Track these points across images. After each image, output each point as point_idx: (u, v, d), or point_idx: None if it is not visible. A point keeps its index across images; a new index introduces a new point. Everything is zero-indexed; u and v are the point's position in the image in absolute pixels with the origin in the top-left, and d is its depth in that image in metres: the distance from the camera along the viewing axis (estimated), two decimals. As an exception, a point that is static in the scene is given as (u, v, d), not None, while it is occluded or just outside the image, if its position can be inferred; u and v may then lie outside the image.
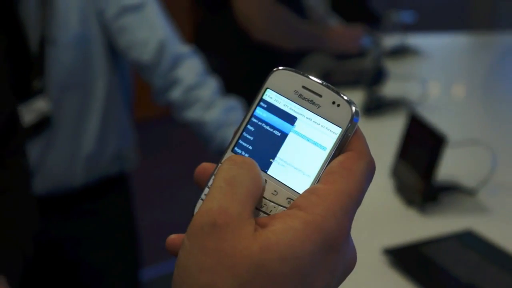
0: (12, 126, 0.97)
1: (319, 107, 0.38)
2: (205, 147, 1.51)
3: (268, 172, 0.39)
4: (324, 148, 0.38)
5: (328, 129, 0.38)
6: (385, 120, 1.83)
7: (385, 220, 1.27)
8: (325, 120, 0.38)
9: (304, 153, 0.38)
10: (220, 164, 0.39)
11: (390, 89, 1.98)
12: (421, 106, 1.88)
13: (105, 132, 1.47)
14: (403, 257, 1.10)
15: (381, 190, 1.36)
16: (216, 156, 1.42)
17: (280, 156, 0.39)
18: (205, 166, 0.42)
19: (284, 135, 0.39)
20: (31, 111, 1.35)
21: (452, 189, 1.31)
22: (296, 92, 0.39)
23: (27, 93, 1.35)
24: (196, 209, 0.39)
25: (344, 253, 0.35)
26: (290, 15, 2.09)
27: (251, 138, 0.40)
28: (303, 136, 0.39)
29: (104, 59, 1.44)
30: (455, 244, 1.13)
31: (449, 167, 1.36)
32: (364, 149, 0.38)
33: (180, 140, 3.99)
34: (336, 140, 0.38)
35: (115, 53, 1.46)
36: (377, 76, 1.91)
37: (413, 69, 2.42)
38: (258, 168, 0.37)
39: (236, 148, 0.40)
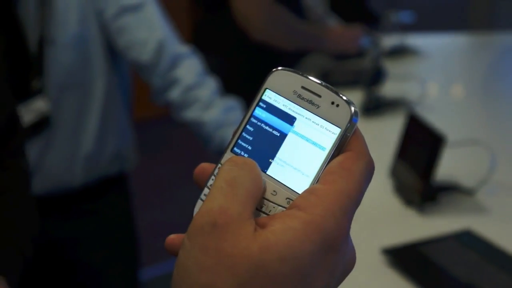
0: (12, 126, 0.97)
1: (318, 107, 0.38)
2: (204, 147, 1.51)
3: (268, 172, 0.39)
4: (323, 148, 0.38)
5: (327, 129, 0.38)
6: (384, 120, 1.84)
7: (384, 220, 1.27)
8: (324, 121, 0.38)
9: (303, 153, 0.38)
10: (220, 165, 0.40)
11: (389, 89, 1.98)
12: (420, 106, 1.88)
13: (104, 132, 1.47)
14: (402, 257, 1.10)
15: (380, 190, 1.36)
16: (215, 156, 1.42)
17: (280, 156, 0.39)
18: (204, 166, 0.42)
19: (283, 135, 0.39)
20: (30, 111, 1.35)
21: (451, 189, 1.31)
22: (295, 92, 0.39)
23: (26, 93, 1.35)
24: (196, 209, 0.39)
25: (344, 253, 0.35)
26: (289, 15, 2.09)
27: (251, 138, 0.40)
28: (302, 136, 0.39)
29: (103, 59, 1.44)
30: (454, 244, 1.13)
31: (448, 167, 1.36)
32: (363, 150, 0.38)
33: (179, 140, 3.99)
34: (335, 141, 0.38)
35: (114, 53, 1.46)
36: (376, 76, 1.91)
37: (412, 69, 2.42)
38: (258, 169, 0.37)
39: (235, 148, 0.40)
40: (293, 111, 0.39)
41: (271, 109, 0.40)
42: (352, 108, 0.38)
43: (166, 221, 3.11)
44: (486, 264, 1.06)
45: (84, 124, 1.44)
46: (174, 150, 4.11)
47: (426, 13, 4.17)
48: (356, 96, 1.92)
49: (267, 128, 0.40)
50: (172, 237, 0.40)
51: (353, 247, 0.37)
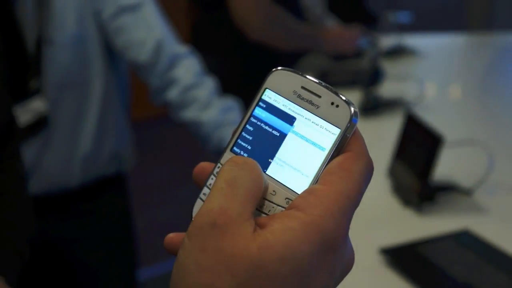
0: (9, 129, 0.97)
1: (318, 107, 0.38)
2: (202, 147, 1.51)
3: (267, 172, 0.39)
4: (323, 149, 0.38)
5: (327, 130, 0.38)
6: (382, 120, 1.84)
7: (382, 220, 1.27)
8: (324, 121, 0.38)
9: (303, 153, 0.38)
10: (219, 164, 0.40)
11: (387, 89, 1.99)
12: (418, 106, 1.88)
13: (102, 132, 1.47)
14: (400, 257, 1.10)
15: (378, 190, 1.36)
16: (214, 156, 1.42)
17: (279, 156, 0.39)
18: (204, 165, 0.42)
19: (283, 136, 0.39)
20: (28, 111, 1.35)
21: (448, 189, 1.31)
22: (295, 92, 0.39)
23: (24, 93, 1.35)
24: (195, 209, 0.39)
25: (342, 254, 0.35)
26: (286, 15, 2.10)
27: (250, 138, 0.40)
28: (302, 137, 0.39)
29: (101, 59, 1.44)
30: (451, 243, 1.13)
31: (446, 167, 1.36)
32: (362, 150, 0.38)
33: (177, 140, 3.99)
34: (335, 141, 0.38)
35: (112, 53, 1.46)
36: (374, 77, 1.91)
37: (410, 69, 2.42)
38: (259, 169, 0.37)
39: (235, 148, 0.40)
40: (293, 111, 0.39)
41: (271, 109, 0.40)
42: (352, 109, 0.38)
43: (164, 221, 3.11)
44: (484, 264, 1.06)
45: (82, 124, 1.44)
46: (172, 150, 4.11)
47: (424, 13, 4.18)
48: (354, 96, 1.92)
49: (266, 128, 0.40)
50: (171, 236, 0.40)
51: (351, 247, 0.37)
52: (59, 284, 1.55)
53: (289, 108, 0.39)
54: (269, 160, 0.39)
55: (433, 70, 2.49)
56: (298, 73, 0.40)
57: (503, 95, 2.24)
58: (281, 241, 0.33)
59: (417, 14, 3.31)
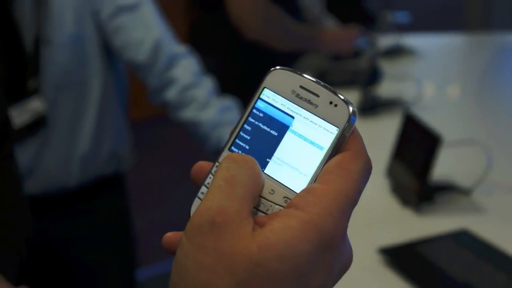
0: (4, 131, 0.97)
1: (316, 106, 0.38)
2: (201, 147, 1.51)
3: (266, 171, 0.39)
4: (321, 148, 0.38)
5: (325, 129, 0.38)
6: (380, 120, 1.84)
7: (380, 219, 1.27)
8: (323, 120, 0.38)
9: (301, 152, 0.38)
10: (218, 163, 0.40)
11: (385, 89, 1.99)
12: (416, 106, 1.88)
13: (101, 132, 1.47)
14: (399, 257, 1.10)
15: (377, 190, 1.36)
16: (212, 156, 1.42)
17: (277, 155, 0.39)
18: (202, 164, 0.42)
19: (281, 135, 0.39)
20: (26, 111, 1.35)
21: (447, 188, 1.31)
22: (293, 91, 0.39)
23: (22, 93, 1.34)
24: (193, 208, 0.39)
25: (341, 253, 0.35)
26: (284, 16, 2.10)
27: (248, 137, 0.40)
28: (300, 136, 0.39)
29: (99, 59, 1.44)
30: (450, 243, 1.13)
31: (444, 167, 1.36)
32: (361, 149, 0.38)
33: (176, 140, 3.99)
34: (333, 140, 0.38)
35: (110, 53, 1.46)
36: (373, 76, 1.92)
37: (408, 69, 2.42)
38: (258, 166, 0.37)
39: (233, 147, 0.40)
40: (291, 110, 0.39)
41: (269, 108, 0.40)
42: (350, 108, 0.38)
43: (162, 221, 3.11)
44: (482, 263, 1.06)
45: (80, 124, 1.44)
46: (170, 150, 4.11)
47: (422, 13, 4.18)
48: (352, 96, 1.92)
49: (265, 127, 0.40)
50: (169, 235, 0.40)
51: (350, 246, 0.37)
52: (58, 284, 1.55)
53: (288, 108, 0.39)
54: (267, 159, 0.39)
55: (431, 70, 2.49)
56: (296, 73, 0.40)
57: (501, 95, 2.25)
58: (280, 239, 0.33)
59: (415, 14, 3.32)
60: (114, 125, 1.51)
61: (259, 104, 0.40)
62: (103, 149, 1.48)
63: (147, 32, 1.42)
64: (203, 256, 0.33)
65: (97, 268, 1.52)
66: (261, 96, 0.40)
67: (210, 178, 0.40)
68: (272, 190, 0.38)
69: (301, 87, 0.39)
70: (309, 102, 0.39)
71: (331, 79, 2.22)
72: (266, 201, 0.38)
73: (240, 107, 1.52)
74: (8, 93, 1.32)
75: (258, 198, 0.37)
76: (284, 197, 0.37)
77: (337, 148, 0.38)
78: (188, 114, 1.45)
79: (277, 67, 0.40)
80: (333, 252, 0.35)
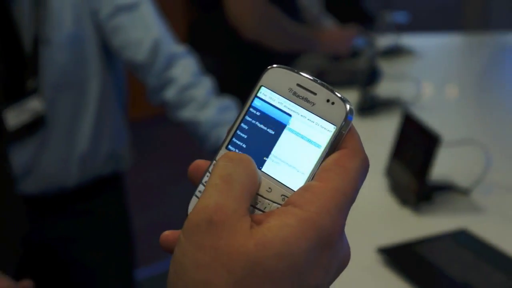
0: None
1: (313, 105, 0.38)
2: (200, 146, 1.50)
3: (263, 169, 0.39)
4: (318, 146, 0.38)
5: (323, 127, 0.38)
6: (379, 120, 1.84)
7: (379, 219, 1.27)
8: (320, 118, 0.38)
9: (298, 150, 0.38)
10: (215, 161, 0.39)
11: (384, 89, 1.99)
12: (415, 105, 1.88)
13: (99, 132, 1.47)
14: (397, 256, 1.10)
15: (375, 190, 1.36)
16: (211, 155, 1.42)
17: (275, 154, 0.39)
18: (199, 163, 0.42)
19: (278, 133, 0.39)
20: (25, 111, 1.35)
21: (446, 188, 1.31)
22: (290, 90, 0.39)
23: (21, 93, 1.34)
24: (190, 206, 0.39)
25: (338, 251, 0.35)
26: (282, 16, 2.10)
27: (245, 136, 0.40)
28: (297, 134, 0.39)
29: (98, 59, 1.44)
30: (449, 243, 1.13)
31: (443, 167, 1.36)
32: (358, 147, 0.38)
33: (174, 140, 3.99)
34: (331, 138, 0.38)
35: (109, 53, 1.46)
36: (371, 76, 1.92)
37: (407, 69, 2.42)
38: (254, 164, 0.37)
39: (230, 146, 0.40)
40: (288, 108, 0.39)
41: (266, 106, 0.40)
42: (347, 106, 0.38)
43: (161, 221, 3.11)
44: (481, 263, 1.06)
45: (79, 124, 1.44)
46: (169, 150, 4.11)
47: (420, 13, 4.19)
48: (351, 96, 1.92)
49: (262, 125, 0.40)
50: (167, 234, 0.40)
51: (347, 244, 0.37)
52: (56, 283, 1.55)
53: (285, 106, 0.39)
54: (265, 157, 0.39)
55: (430, 70, 2.49)
56: (293, 71, 0.40)
57: (500, 95, 2.25)
58: (278, 237, 0.33)
59: (414, 14, 3.32)
60: (113, 125, 1.51)
61: (256, 103, 0.40)
62: (102, 149, 1.48)
63: (146, 32, 1.42)
64: (201, 254, 0.33)
65: (96, 267, 1.52)
66: (258, 95, 0.40)
67: (207, 176, 0.40)
68: (270, 188, 0.38)
69: (298, 85, 0.39)
70: (306, 100, 0.39)
71: (330, 79, 2.22)
72: (263, 199, 0.38)
73: (239, 107, 1.52)
74: (6, 93, 1.32)
75: (255, 196, 0.37)
76: (282, 195, 0.37)
77: (334, 146, 0.38)
78: (187, 114, 1.45)
79: (274, 65, 0.40)
80: (330, 250, 0.35)
